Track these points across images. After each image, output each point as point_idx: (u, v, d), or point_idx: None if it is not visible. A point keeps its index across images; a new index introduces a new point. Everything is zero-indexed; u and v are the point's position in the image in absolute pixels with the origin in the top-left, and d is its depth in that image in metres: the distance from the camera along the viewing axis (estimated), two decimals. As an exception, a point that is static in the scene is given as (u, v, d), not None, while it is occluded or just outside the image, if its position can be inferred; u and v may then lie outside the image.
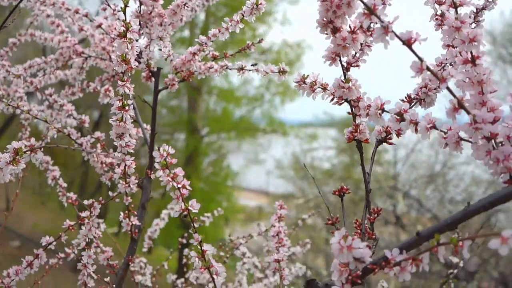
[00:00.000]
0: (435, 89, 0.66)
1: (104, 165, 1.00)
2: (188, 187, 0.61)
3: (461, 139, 0.54)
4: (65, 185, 1.09)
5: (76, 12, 1.10)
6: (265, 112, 11.58)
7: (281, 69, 0.83)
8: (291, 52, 10.39)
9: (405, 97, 0.68)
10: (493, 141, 0.52)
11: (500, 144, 0.51)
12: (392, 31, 0.49)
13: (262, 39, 1.00)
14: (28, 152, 0.67)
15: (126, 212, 0.95)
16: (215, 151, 11.69)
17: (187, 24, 9.12)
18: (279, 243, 0.93)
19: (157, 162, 0.60)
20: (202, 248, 0.64)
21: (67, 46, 1.19)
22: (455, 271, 1.21)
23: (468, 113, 0.51)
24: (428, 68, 0.50)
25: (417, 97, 0.67)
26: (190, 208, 0.62)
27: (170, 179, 0.60)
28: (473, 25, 0.68)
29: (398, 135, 0.66)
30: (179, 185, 0.61)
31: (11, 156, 0.67)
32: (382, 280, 1.06)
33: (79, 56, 1.18)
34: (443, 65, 0.68)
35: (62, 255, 1.12)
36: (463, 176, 7.38)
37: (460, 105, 0.51)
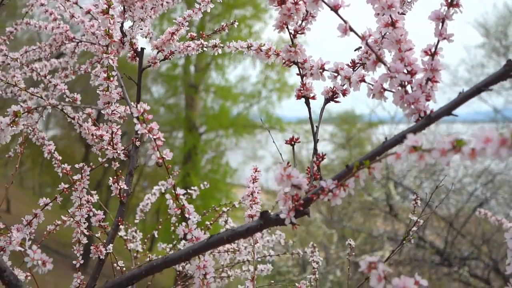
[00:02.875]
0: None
1: (94, 137, 1.11)
2: (162, 139, 0.72)
3: (384, 89, 0.65)
4: (60, 157, 1.20)
5: (67, 0, 1.21)
6: (262, 109, 11.69)
7: (249, 45, 0.93)
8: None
9: (350, 62, 0.79)
10: (409, 88, 0.63)
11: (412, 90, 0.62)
12: (322, 0, 0.60)
13: (235, 21, 1.11)
14: (26, 114, 0.77)
15: (115, 177, 1.06)
16: (213, 148, 11.79)
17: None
18: (253, 201, 1.04)
19: (135, 117, 0.71)
20: (176, 192, 0.75)
21: (60, 33, 1.30)
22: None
23: (385, 65, 0.62)
24: (351, 29, 0.61)
25: (360, 62, 0.78)
26: (164, 156, 0.73)
27: (147, 131, 0.71)
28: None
29: (343, 94, 0.77)
30: (155, 137, 0.72)
31: (11, 118, 0.78)
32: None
33: (71, 41, 1.29)
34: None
35: (59, 222, 1.22)
36: (455, 167, 7.50)
37: (378, 59, 0.62)
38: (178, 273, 1.44)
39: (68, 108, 1.14)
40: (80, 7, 1.20)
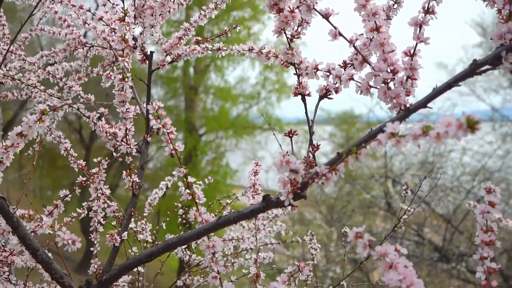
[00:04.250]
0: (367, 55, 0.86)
1: (108, 134, 1.20)
2: (175, 133, 0.82)
3: (370, 86, 0.74)
4: (75, 154, 1.29)
5: (81, 8, 1.30)
6: (261, 110, 11.77)
7: (250, 48, 1.03)
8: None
9: (342, 63, 0.88)
10: (392, 85, 0.73)
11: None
12: (314, 8, 0.70)
13: (236, 25, 1.20)
14: (51, 112, 0.87)
15: (128, 171, 1.16)
16: (213, 149, 11.87)
17: (183, 22, 9.30)
18: (255, 192, 1.13)
19: (151, 113, 0.81)
20: (188, 180, 0.84)
21: (73, 38, 1.39)
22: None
23: (370, 65, 0.71)
24: (340, 34, 0.70)
25: (350, 62, 0.87)
26: (177, 148, 0.82)
27: (161, 126, 0.81)
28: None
29: (336, 92, 0.87)
30: (168, 131, 0.81)
31: (38, 115, 0.87)
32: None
33: (84, 46, 1.38)
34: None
35: (74, 214, 1.31)
36: (454, 165, 7.59)
37: (364, 60, 0.71)
38: (185, 263, 1.53)
39: (82, 106, 1.23)
40: (93, 14, 1.29)
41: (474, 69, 0.64)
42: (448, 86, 0.65)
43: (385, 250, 0.59)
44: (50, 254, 0.85)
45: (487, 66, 0.64)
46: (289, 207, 0.76)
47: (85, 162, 1.26)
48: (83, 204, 1.28)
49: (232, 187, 11.32)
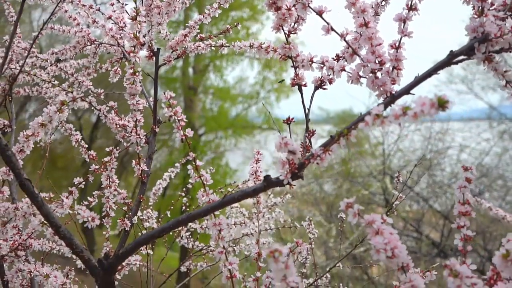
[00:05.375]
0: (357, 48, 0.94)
1: (117, 126, 1.28)
2: (185, 120, 0.90)
3: (360, 76, 0.83)
4: (86, 145, 1.37)
5: (90, 7, 1.38)
6: (260, 110, 11.86)
7: (251, 44, 1.11)
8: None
9: (335, 56, 0.96)
10: (379, 74, 0.81)
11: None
12: (308, 6, 0.78)
13: (237, 24, 1.28)
14: (71, 102, 0.95)
15: (137, 160, 1.24)
16: (213, 149, 11.95)
17: (182, 23, 9.39)
18: (256, 179, 1.22)
19: (163, 102, 0.89)
20: (196, 163, 0.92)
21: (82, 36, 1.47)
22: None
23: (359, 56, 0.79)
24: (332, 29, 0.78)
25: (342, 55, 0.95)
26: (186, 133, 0.90)
27: (173, 114, 0.89)
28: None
29: (330, 82, 0.95)
30: (179, 118, 0.90)
31: (58, 106, 0.95)
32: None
33: (93, 43, 1.46)
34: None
35: (86, 202, 1.39)
36: (450, 162, 7.69)
37: (354, 52, 0.79)
38: (189, 249, 1.61)
39: (93, 100, 1.31)
40: (102, 13, 1.37)
41: (451, 59, 0.72)
42: (428, 74, 0.73)
43: (372, 217, 0.67)
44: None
45: (463, 57, 0.73)
46: (288, 195, 0.85)
47: (95, 153, 1.34)
48: (94, 193, 1.36)
49: (232, 187, 11.37)
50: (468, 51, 0.71)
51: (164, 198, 9.49)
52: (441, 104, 0.56)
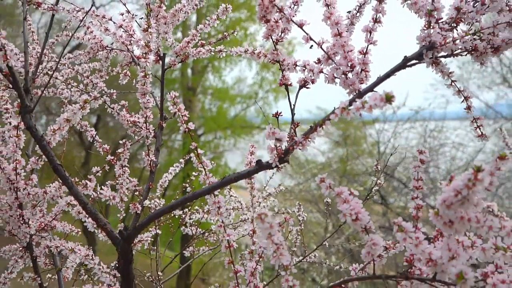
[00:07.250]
0: (334, 54, 1.12)
1: (128, 122, 1.46)
2: (187, 115, 1.07)
3: (335, 77, 1.00)
4: (100, 140, 1.54)
5: (103, 17, 1.55)
6: (259, 110, 12.02)
7: (246, 49, 1.28)
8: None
9: (316, 59, 1.14)
10: (350, 75, 0.98)
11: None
12: (291, 20, 0.95)
13: (234, 31, 1.46)
14: (93, 100, 1.12)
15: (147, 151, 1.41)
16: (212, 150, 12.11)
17: (180, 26, 9.56)
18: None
19: (168, 101, 1.06)
20: (197, 152, 1.09)
21: (95, 42, 1.64)
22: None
23: (333, 61, 0.96)
24: (310, 38, 0.96)
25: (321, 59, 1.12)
26: (189, 127, 1.07)
27: (177, 110, 1.06)
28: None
29: (312, 82, 1.12)
30: (182, 114, 1.07)
31: (81, 104, 1.12)
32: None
33: (105, 49, 1.63)
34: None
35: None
36: (446, 160, 7.87)
37: (328, 57, 0.96)
38: (191, 235, 1.78)
39: (107, 99, 1.48)
40: (114, 22, 1.54)
41: (405, 62, 0.90)
42: (387, 75, 0.90)
43: (341, 189, 0.85)
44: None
45: (415, 61, 0.90)
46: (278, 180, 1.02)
47: (108, 147, 1.51)
48: (106, 182, 1.54)
49: (231, 187, 11.51)
50: (418, 56, 0.89)
51: (164, 198, 9.62)
52: (388, 98, 0.73)
